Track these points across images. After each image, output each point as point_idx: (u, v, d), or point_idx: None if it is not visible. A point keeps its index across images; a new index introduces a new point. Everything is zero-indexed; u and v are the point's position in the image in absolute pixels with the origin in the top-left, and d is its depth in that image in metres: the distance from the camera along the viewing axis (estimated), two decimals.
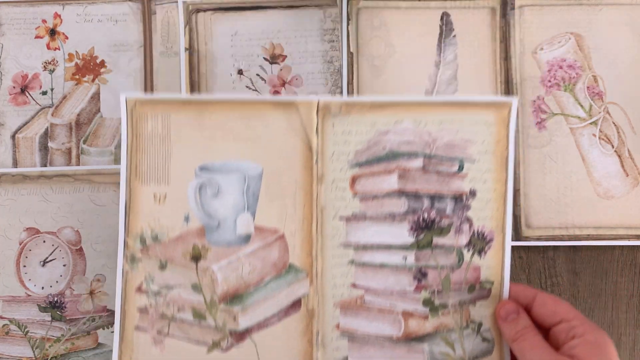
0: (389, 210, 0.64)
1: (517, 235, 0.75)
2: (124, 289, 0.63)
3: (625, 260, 0.75)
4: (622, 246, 0.75)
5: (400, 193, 0.63)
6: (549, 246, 0.76)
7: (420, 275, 0.63)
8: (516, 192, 0.76)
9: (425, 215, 0.64)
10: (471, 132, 0.63)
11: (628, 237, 0.74)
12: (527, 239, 0.75)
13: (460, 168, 0.64)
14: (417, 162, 0.64)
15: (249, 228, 0.64)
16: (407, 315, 0.63)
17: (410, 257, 0.63)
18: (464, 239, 0.64)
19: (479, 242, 0.64)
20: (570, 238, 0.75)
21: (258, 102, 0.64)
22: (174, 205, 0.63)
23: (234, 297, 0.63)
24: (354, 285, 0.63)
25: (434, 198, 0.64)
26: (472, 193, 0.64)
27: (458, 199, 0.64)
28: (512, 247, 0.75)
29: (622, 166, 0.75)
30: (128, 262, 0.63)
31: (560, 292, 0.75)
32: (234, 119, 0.63)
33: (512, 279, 0.75)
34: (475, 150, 0.64)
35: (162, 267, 0.63)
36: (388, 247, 0.64)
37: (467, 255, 0.64)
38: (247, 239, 0.64)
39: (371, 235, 0.64)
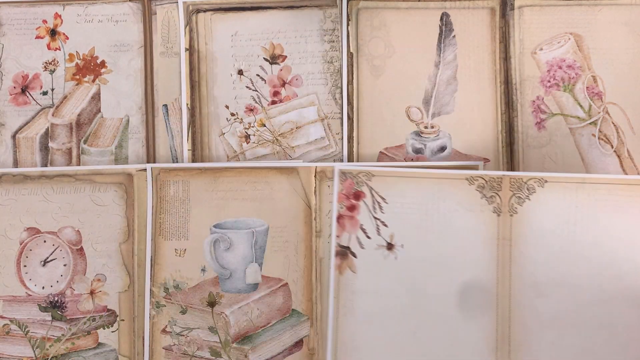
0: None
1: None
2: (151, 330, 0.73)
3: None
4: None
5: None
6: None
7: None
8: None
9: None
10: None
11: None
12: None
13: None
14: None
15: (256, 277, 0.74)
16: None
17: None
18: None
19: None
20: None
21: (264, 168, 0.74)
22: (192, 258, 0.74)
23: (245, 338, 0.74)
24: None
25: None
26: None
27: None
28: None
29: (622, 166, 0.75)
30: (154, 308, 0.73)
31: None
32: (243, 183, 0.74)
33: None
34: None
35: (183, 311, 0.74)
36: None
37: None
38: (255, 287, 0.75)
39: None
